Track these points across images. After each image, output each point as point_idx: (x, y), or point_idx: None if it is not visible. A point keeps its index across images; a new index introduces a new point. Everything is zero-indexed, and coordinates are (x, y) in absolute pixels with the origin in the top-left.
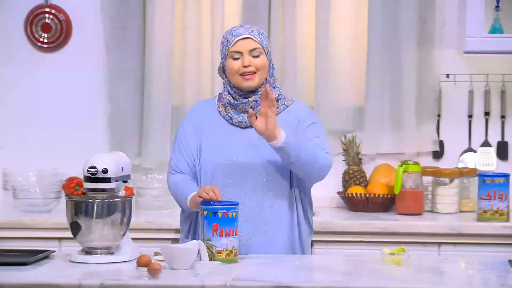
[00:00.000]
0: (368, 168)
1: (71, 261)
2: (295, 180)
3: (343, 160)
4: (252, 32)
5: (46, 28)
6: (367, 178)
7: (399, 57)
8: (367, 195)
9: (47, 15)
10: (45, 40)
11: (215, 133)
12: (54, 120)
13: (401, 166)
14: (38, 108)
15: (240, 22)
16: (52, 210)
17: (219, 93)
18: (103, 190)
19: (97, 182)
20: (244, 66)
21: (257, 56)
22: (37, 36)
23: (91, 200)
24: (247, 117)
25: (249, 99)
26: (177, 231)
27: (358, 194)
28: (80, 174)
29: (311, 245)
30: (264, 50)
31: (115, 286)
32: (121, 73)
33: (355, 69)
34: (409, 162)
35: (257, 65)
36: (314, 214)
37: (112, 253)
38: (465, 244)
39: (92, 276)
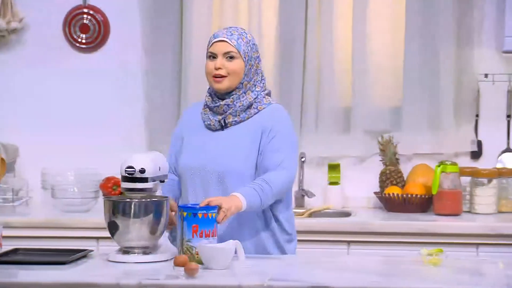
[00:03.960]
0: (405, 168)
1: (109, 261)
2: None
3: (380, 161)
4: (231, 35)
5: (84, 28)
6: (404, 179)
7: (437, 56)
8: (405, 196)
9: (85, 15)
10: (83, 41)
11: (191, 136)
12: (92, 120)
13: (439, 166)
14: (76, 108)
15: (278, 21)
16: (90, 209)
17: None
18: (140, 190)
19: (135, 182)
20: (216, 68)
21: (231, 60)
22: (75, 36)
23: (129, 200)
24: (217, 120)
25: (221, 102)
26: None
27: (395, 195)
28: (117, 174)
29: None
30: (240, 54)
31: (152, 286)
32: (158, 73)
33: (392, 68)
34: (447, 162)
35: (228, 68)
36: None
37: (150, 253)
38: (504, 245)
39: (129, 275)
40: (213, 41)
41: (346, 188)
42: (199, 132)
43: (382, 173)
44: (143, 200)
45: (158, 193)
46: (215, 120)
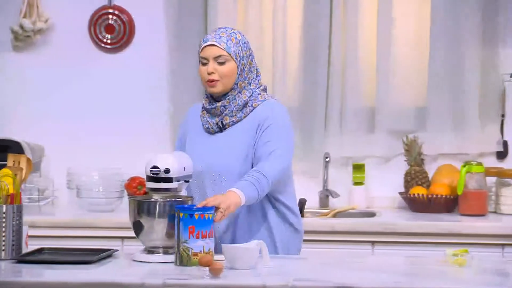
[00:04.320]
0: (430, 169)
1: (133, 260)
2: None
3: (405, 161)
4: (219, 38)
5: (109, 29)
6: (429, 179)
7: (462, 56)
8: (430, 196)
9: (110, 16)
10: (108, 41)
11: (192, 140)
12: (117, 120)
13: (464, 166)
14: (101, 108)
15: (302, 22)
16: (115, 209)
17: None
18: (165, 189)
19: (159, 181)
20: (208, 73)
21: (222, 63)
22: (100, 37)
23: (153, 199)
24: (215, 123)
25: (217, 104)
26: None
27: (420, 195)
28: (142, 173)
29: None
30: (231, 56)
31: (177, 286)
32: (183, 73)
33: (417, 68)
34: (472, 162)
35: (221, 72)
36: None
37: (174, 253)
38: None
39: (154, 275)
40: (202, 46)
41: (371, 188)
42: (199, 135)
43: (407, 173)
44: (168, 200)
45: (183, 193)
46: (213, 123)
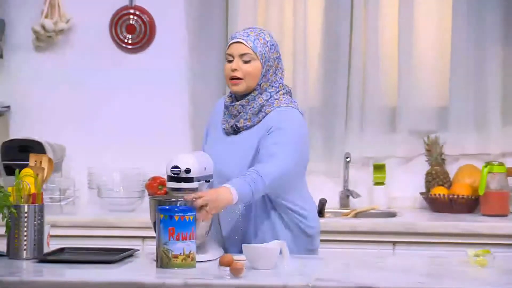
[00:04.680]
0: (451, 169)
1: (154, 260)
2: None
3: (426, 161)
4: (247, 36)
5: (130, 29)
6: (451, 179)
7: (483, 55)
8: (451, 196)
9: (131, 16)
10: (129, 41)
11: (211, 135)
12: (137, 120)
13: (486, 166)
14: (121, 108)
15: (323, 21)
16: (136, 209)
17: None
18: (186, 189)
19: (180, 181)
20: (232, 70)
21: (247, 62)
22: (121, 37)
23: (174, 199)
24: (230, 125)
25: (236, 103)
26: None
27: (442, 195)
28: (163, 173)
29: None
30: (257, 56)
31: (198, 285)
32: (203, 74)
33: (438, 68)
34: (494, 162)
35: (245, 71)
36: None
37: None
38: None
39: (175, 275)
40: (230, 43)
41: (392, 188)
42: (217, 135)
43: (428, 174)
44: (188, 200)
45: None
46: (229, 125)
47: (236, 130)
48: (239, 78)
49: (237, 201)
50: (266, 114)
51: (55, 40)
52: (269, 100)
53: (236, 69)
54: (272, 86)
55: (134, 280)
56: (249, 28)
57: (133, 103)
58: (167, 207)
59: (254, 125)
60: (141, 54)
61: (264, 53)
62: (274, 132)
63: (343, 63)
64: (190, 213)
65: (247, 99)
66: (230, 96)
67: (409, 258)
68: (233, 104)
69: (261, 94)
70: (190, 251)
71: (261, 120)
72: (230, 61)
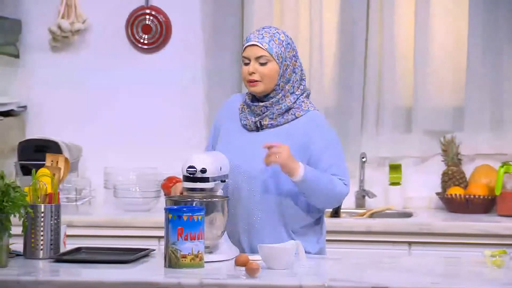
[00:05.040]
0: (467, 169)
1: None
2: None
3: (442, 161)
4: (262, 38)
5: (146, 29)
6: (467, 179)
7: (500, 55)
8: (467, 196)
9: (147, 16)
10: (145, 41)
11: (228, 133)
12: (153, 120)
13: (502, 167)
14: (138, 108)
15: (339, 21)
16: (152, 209)
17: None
18: (201, 189)
19: (196, 181)
20: (249, 73)
21: (264, 64)
22: (137, 37)
23: (190, 199)
24: (254, 122)
25: (260, 103)
26: None
27: (458, 195)
28: (178, 173)
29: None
30: (273, 57)
31: (213, 285)
32: (219, 74)
33: (454, 68)
34: (510, 162)
35: (262, 73)
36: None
37: (211, 252)
38: None
39: (191, 275)
40: (245, 45)
41: (407, 188)
42: (235, 130)
43: (444, 174)
44: (204, 199)
45: (219, 193)
46: (252, 121)
47: (258, 128)
48: (256, 81)
49: (297, 180)
50: (297, 117)
51: (71, 40)
52: (297, 103)
53: (253, 72)
54: (297, 89)
55: (149, 280)
56: (263, 28)
57: (149, 103)
58: (175, 207)
59: (280, 125)
60: (156, 54)
61: (280, 53)
62: (328, 150)
63: (359, 63)
64: (199, 213)
65: (271, 101)
66: (250, 95)
67: (425, 258)
68: (256, 104)
69: (284, 96)
70: (198, 251)
71: (289, 122)
72: (246, 64)
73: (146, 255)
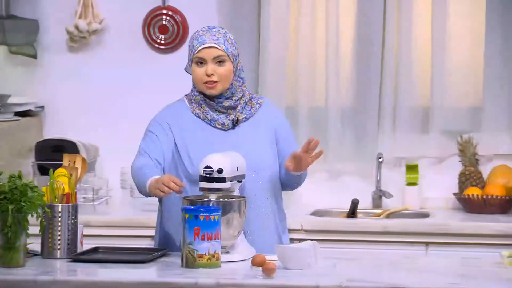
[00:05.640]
0: (485, 169)
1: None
2: (279, 180)
3: (459, 161)
4: (217, 40)
5: (163, 29)
6: (484, 179)
7: None
8: (485, 197)
9: (164, 16)
10: (162, 41)
11: (197, 138)
12: None
13: None
14: (154, 108)
15: (355, 22)
16: None
17: (186, 95)
18: (218, 189)
19: (212, 182)
20: (207, 75)
21: (221, 64)
22: (154, 37)
23: (206, 199)
24: (230, 119)
25: (225, 103)
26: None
27: (475, 196)
28: None
29: None
30: (229, 57)
31: (230, 285)
32: None
33: (472, 68)
34: None
35: (220, 74)
36: None
37: (227, 252)
38: None
39: (208, 275)
40: (200, 47)
41: (424, 188)
42: (208, 133)
43: (462, 174)
44: (221, 200)
45: (236, 193)
46: (229, 120)
47: (234, 124)
48: (215, 82)
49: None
50: (261, 105)
51: (88, 40)
52: (251, 93)
53: (212, 74)
54: (243, 81)
55: (166, 280)
56: (210, 28)
57: (165, 103)
58: (192, 207)
59: (252, 116)
60: (173, 54)
61: (233, 52)
62: (288, 130)
63: (376, 63)
64: (216, 213)
65: (232, 98)
66: (203, 95)
67: (442, 259)
68: (221, 104)
69: (237, 91)
70: (215, 251)
71: (257, 111)
72: (200, 64)
73: (163, 255)
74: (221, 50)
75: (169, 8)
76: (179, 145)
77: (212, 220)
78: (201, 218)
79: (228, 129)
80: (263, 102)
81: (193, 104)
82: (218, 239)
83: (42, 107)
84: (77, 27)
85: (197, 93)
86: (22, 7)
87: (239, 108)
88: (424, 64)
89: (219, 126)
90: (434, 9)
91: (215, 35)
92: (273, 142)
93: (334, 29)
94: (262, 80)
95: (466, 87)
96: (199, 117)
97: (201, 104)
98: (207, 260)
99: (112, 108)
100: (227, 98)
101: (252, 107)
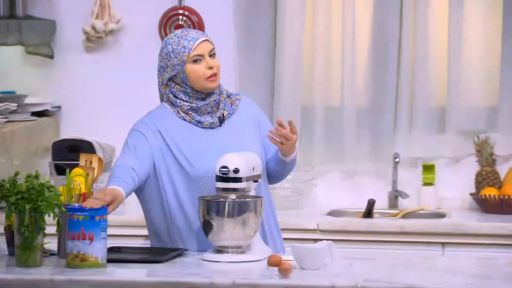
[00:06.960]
0: (502, 169)
1: (203, 260)
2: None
3: (476, 161)
4: (203, 34)
5: (179, 29)
6: (501, 180)
7: None
8: (501, 197)
9: (180, 16)
10: None
11: (189, 137)
12: None
13: None
14: None
15: (372, 22)
16: None
17: (168, 101)
18: (234, 189)
19: (229, 181)
20: (210, 68)
21: (214, 57)
22: None
23: (223, 199)
24: (217, 117)
25: (210, 100)
26: (305, 231)
27: (492, 196)
28: None
29: None
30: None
31: (246, 285)
32: (251, 74)
33: (488, 67)
34: None
35: (217, 65)
36: None
37: (243, 252)
38: None
39: (223, 274)
40: (196, 44)
41: (441, 189)
42: (197, 132)
43: (478, 174)
44: (237, 200)
45: (252, 193)
46: (215, 117)
47: (221, 121)
48: (215, 74)
49: (292, 157)
50: (239, 100)
51: (105, 40)
52: (225, 88)
53: (213, 66)
54: None
55: (182, 280)
56: (187, 30)
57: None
58: (69, 206)
59: (234, 112)
60: None
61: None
62: (267, 123)
63: (392, 63)
64: (79, 213)
65: (215, 93)
66: (186, 101)
67: (458, 259)
68: (206, 102)
69: (218, 86)
70: (78, 251)
71: (238, 106)
72: (198, 62)
73: (179, 255)
74: (211, 43)
75: (185, 8)
76: (172, 146)
77: (75, 219)
78: (81, 218)
79: (216, 127)
80: (240, 98)
81: (176, 108)
82: (83, 239)
83: (59, 107)
84: (93, 27)
85: (182, 102)
86: (39, 7)
87: (221, 105)
88: (440, 64)
89: (208, 125)
90: (451, 9)
91: (198, 31)
92: (259, 134)
93: (350, 29)
94: (278, 80)
95: (483, 87)
96: (185, 119)
97: (188, 111)
98: (71, 260)
99: (129, 108)
100: (213, 94)
101: (232, 104)
